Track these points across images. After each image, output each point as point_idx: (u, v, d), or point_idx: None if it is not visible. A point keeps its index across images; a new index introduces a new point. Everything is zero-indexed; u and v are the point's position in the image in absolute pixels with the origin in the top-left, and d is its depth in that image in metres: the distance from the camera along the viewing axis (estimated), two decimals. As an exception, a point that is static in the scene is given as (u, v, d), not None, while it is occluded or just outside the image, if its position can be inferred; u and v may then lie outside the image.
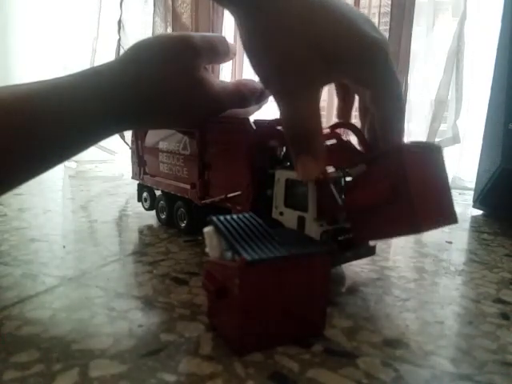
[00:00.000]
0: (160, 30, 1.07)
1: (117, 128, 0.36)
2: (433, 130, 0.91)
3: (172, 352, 0.23)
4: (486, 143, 0.68)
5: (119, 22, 1.09)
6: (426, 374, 0.22)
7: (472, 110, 0.90)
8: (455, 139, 0.90)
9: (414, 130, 0.94)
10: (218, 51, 0.37)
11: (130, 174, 0.57)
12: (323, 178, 0.27)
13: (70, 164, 1.10)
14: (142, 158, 0.54)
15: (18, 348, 0.23)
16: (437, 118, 0.90)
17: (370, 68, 0.26)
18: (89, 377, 0.21)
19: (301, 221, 0.31)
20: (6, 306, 0.28)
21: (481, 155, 0.69)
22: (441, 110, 0.90)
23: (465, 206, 0.73)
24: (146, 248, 0.42)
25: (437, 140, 0.91)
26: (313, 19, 0.25)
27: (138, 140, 0.54)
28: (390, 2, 0.88)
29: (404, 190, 0.25)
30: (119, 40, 1.09)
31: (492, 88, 0.67)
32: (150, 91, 0.33)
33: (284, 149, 0.35)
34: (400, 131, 0.29)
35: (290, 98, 0.26)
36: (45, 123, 0.30)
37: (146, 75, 0.33)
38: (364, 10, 0.93)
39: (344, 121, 0.35)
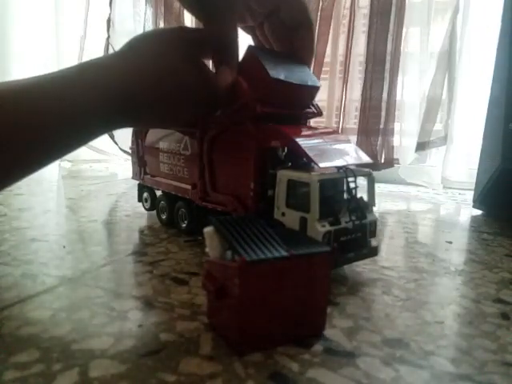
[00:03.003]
0: (153, 24, 1.08)
1: (115, 121, 0.36)
2: (425, 129, 0.91)
3: (172, 352, 0.23)
4: (485, 143, 0.68)
5: (108, 20, 1.09)
6: (425, 374, 0.22)
7: (459, 111, 0.90)
8: (446, 139, 0.91)
9: (407, 130, 0.94)
10: (215, 44, 0.37)
11: (126, 174, 0.57)
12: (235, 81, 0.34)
13: (64, 164, 1.10)
14: (142, 158, 0.54)
15: (18, 348, 0.23)
16: (429, 117, 0.91)
17: None
18: (89, 377, 0.21)
19: (303, 222, 0.31)
20: (6, 306, 0.28)
21: (481, 155, 0.69)
22: (434, 110, 0.90)
23: (465, 206, 0.74)
24: (146, 248, 0.42)
25: (430, 139, 0.92)
26: None
27: (138, 140, 0.54)
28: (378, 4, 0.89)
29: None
30: (108, 38, 1.09)
31: (492, 88, 0.67)
32: (148, 84, 0.33)
33: (286, 149, 0.35)
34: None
35: (217, 19, 0.33)
36: (40, 116, 0.30)
37: (145, 67, 0.33)
38: (362, 10, 0.93)
39: None
